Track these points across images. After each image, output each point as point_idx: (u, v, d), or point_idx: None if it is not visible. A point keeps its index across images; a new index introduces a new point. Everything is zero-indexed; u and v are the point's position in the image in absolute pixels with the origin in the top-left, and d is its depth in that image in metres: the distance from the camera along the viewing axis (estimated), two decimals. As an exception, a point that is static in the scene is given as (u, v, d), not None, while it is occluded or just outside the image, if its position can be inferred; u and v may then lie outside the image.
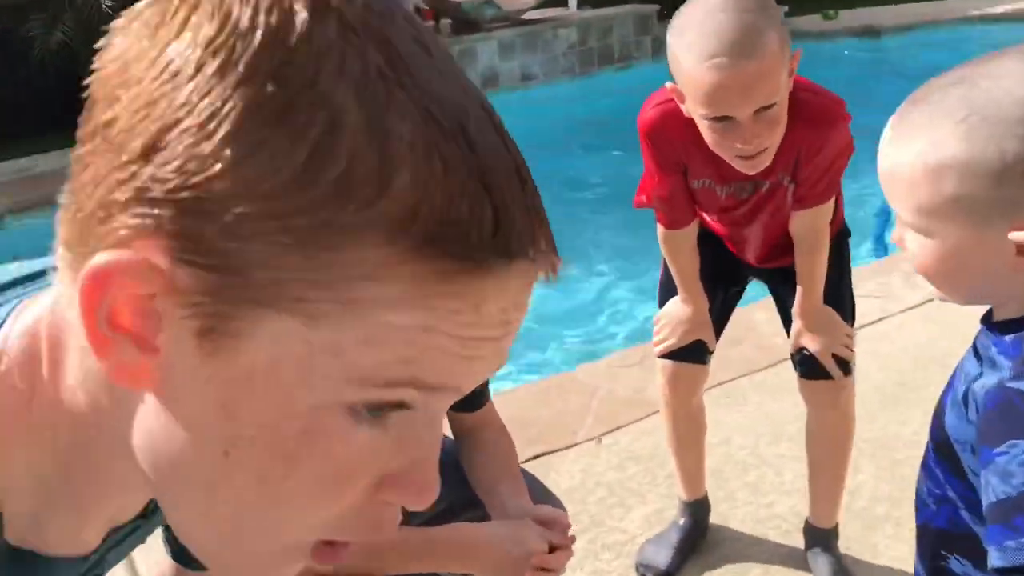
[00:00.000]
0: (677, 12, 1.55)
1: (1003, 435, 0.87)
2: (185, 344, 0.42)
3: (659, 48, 8.21)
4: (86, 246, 0.43)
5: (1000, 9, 8.60)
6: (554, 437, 2.65)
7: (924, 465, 1.06)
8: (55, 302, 0.49)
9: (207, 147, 0.40)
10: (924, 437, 1.06)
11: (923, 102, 0.92)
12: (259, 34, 0.41)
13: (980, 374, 0.95)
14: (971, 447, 0.94)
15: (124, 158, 0.42)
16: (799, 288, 1.86)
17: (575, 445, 2.62)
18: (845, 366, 1.89)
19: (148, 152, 0.41)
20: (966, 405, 0.95)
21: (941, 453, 1.01)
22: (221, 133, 0.40)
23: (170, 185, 0.41)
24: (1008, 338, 0.93)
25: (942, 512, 1.02)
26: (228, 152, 0.40)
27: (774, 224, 1.85)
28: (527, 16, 7.87)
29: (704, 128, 1.56)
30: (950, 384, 1.03)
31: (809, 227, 1.80)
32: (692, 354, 1.99)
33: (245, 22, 0.41)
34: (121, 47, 0.44)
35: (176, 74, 0.41)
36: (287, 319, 0.41)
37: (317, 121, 0.40)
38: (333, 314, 0.41)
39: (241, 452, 0.44)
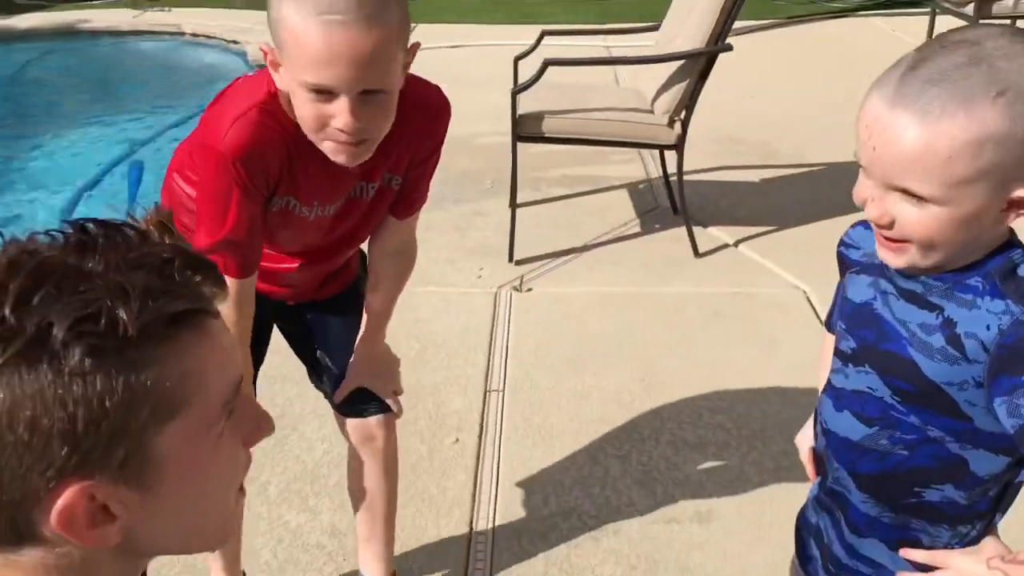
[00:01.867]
0: None
1: None
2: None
3: None
4: None
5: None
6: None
7: (875, 421, 1.14)
8: None
9: None
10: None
11: (943, 83, 0.96)
12: None
13: (950, 318, 1.04)
14: (974, 382, 1.03)
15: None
16: (371, 318, 1.67)
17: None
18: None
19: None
20: (959, 349, 1.03)
21: (917, 400, 1.09)
22: None
23: None
24: (973, 281, 1.03)
25: (921, 452, 1.11)
26: None
27: (349, 245, 1.64)
28: None
29: (302, 101, 1.31)
30: (893, 338, 1.09)
31: (406, 239, 1.64)
32: None
33: None
34: None
35: None
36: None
37: None
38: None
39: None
